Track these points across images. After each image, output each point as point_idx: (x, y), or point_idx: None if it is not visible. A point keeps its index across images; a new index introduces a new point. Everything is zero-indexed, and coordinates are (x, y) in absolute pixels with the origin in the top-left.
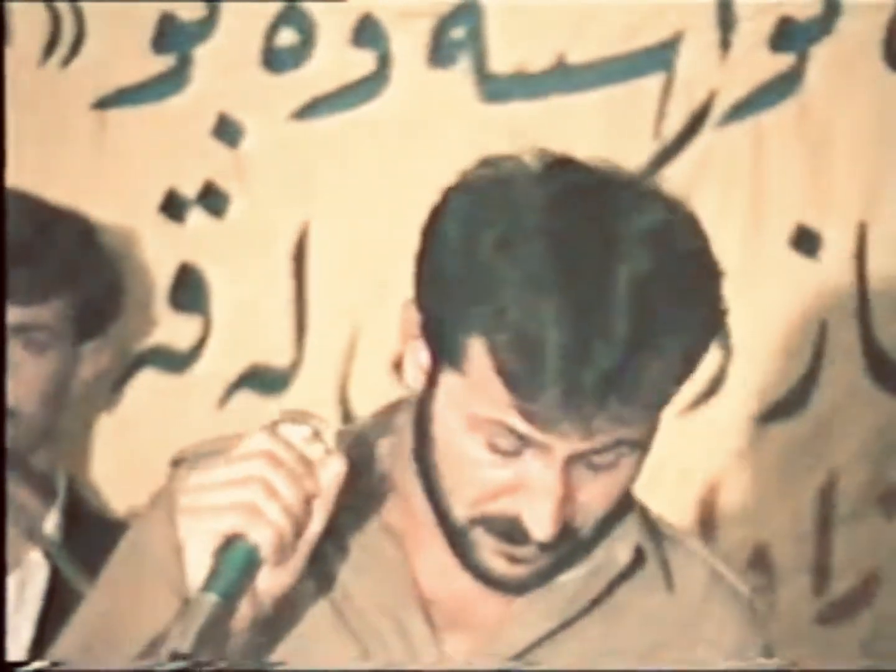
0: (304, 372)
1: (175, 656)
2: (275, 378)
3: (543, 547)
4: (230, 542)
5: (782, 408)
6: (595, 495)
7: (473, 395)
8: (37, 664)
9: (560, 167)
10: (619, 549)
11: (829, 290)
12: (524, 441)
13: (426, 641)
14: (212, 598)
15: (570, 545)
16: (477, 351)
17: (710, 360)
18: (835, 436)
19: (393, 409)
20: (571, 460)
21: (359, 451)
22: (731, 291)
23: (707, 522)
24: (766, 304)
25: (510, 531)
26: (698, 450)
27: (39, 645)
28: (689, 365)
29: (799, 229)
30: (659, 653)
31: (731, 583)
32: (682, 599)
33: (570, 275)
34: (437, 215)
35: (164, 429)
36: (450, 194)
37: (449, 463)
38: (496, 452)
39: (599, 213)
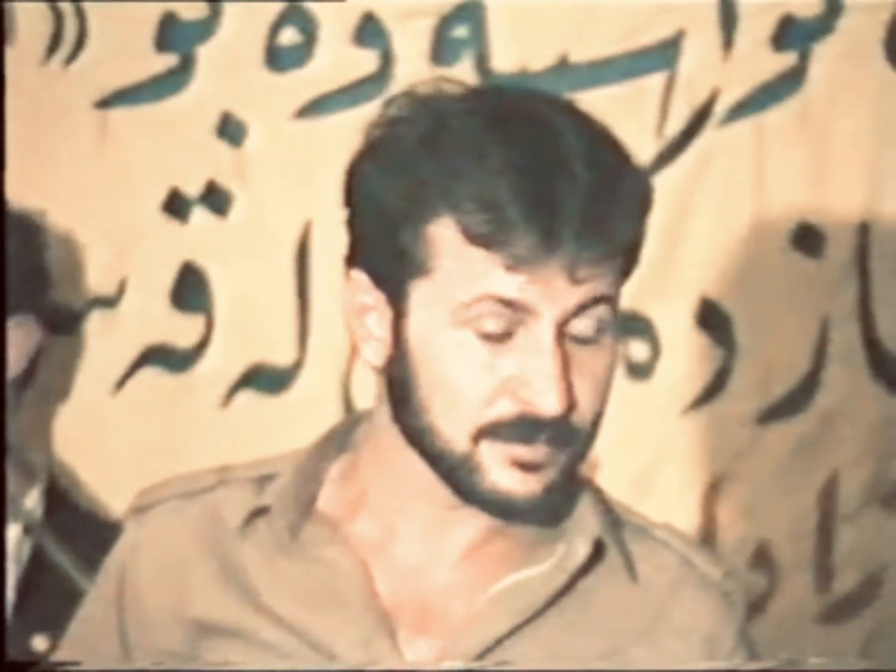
0: (307, 371)
1: None
2: (277, 377)
3: (552, 440)
4: None
5: (784, 407)
6: (586, 376)
7: (451, 285)
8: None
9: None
10: (578, 542)
11: (831, 289)
12: (513, 310)
13: (388, 652)
14: None
15: (572, 446)
16: (441, 234)
17: (713, 359)
18: (837, 434)
19: (347, 427)
20: (561, 330)
21: (310, 469)
22: (733, 291)
23: (709, 521)
24: (768, 302)
25: (519, 427)
26: (700, 448)
27: (10, 638)
28: (641, 206)
29: (801, 228)
30: (627, 644)
31: (702, 570)
32: (647, 590)
33: (513, 139)
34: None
35: (167, 428)
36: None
37: (441, 385)
38: (488, 340)
39: (532, 110)
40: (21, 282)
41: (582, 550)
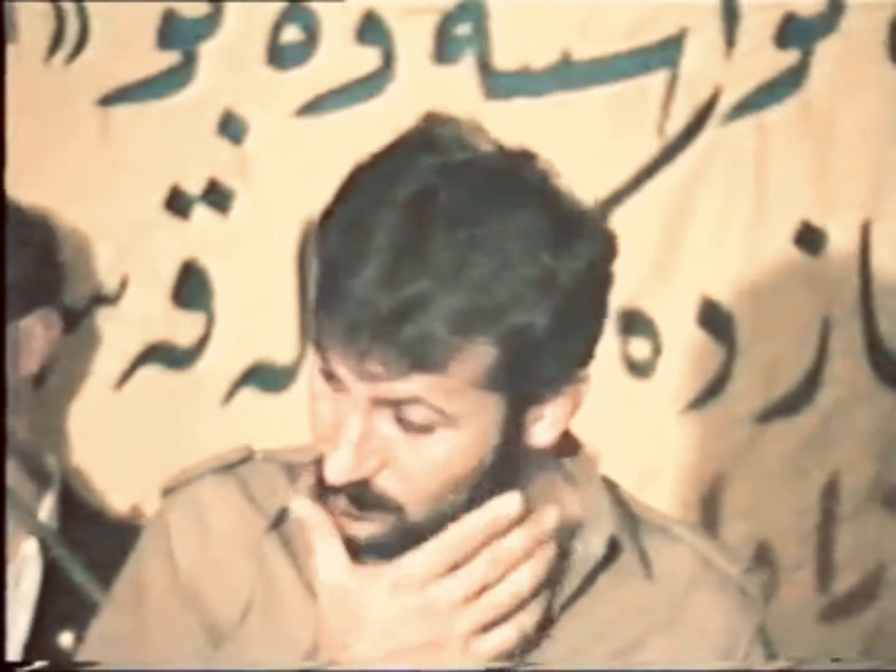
0: (308, 369)
1: None
2: (278, 375)
3: (353, 500)
4: None
5: (786, 405)
6: (410, 461)
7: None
8: (37, 664)
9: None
10: (593, 541)
11: (832, 288)
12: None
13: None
14: None
15: (385, 513)
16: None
17: (714, 358)
18: (838, 433)
19: None
20: (374, 408)
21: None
22: (734, 289)
23: (710, 520)
24: (769, 301)
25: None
26: (701, 447)
27: (36, 639)
28: (461, 328)
29: (803, 227)
30: (643, 641)
31: (720, 567)
32: (663, 587)
33: (401, 229)
34: None
35: (168, 425)
36: None
37: (311, 404)
38: (330, 385)
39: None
40: (42, 277)
41: (597, 550)
